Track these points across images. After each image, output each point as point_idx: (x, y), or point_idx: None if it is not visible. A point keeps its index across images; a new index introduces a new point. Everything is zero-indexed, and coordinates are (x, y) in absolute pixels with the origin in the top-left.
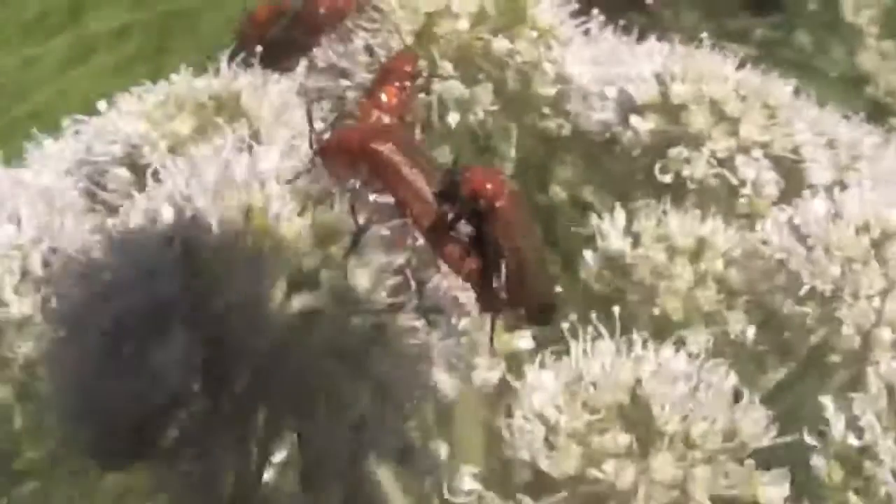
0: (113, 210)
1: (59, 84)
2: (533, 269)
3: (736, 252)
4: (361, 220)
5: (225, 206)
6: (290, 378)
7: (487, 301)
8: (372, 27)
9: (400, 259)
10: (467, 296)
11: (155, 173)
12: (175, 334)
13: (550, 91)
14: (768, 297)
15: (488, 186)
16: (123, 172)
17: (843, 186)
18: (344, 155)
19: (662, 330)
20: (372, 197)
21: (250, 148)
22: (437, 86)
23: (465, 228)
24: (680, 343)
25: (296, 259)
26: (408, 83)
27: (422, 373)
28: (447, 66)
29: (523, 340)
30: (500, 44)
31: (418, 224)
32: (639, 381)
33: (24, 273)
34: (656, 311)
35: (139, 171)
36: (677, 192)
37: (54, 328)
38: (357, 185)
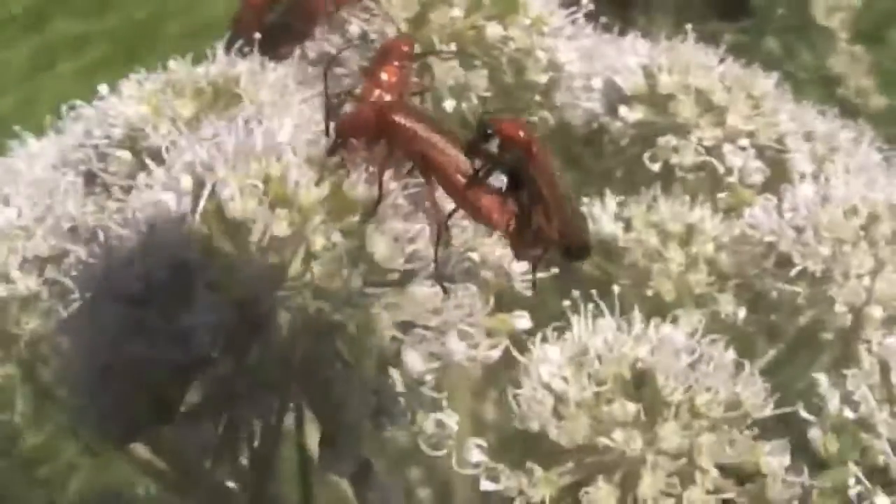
0: (113, 194)
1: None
2: (570, 207)
3: (724, 238)
4: (378, 189)
5: (245, 175)
6: (309, 343)
7: (526, 244)
8: (366, 16)
9: (417, 226)
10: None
11: (163, 151)
12: (200, 297)
13: (543, 78)
14: (757, 279)
15: (521, 133)
16: (125, 155)
17: (825, 177)
18: (362, 130)
19: (654, 312)
20: (389, 169)
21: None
22: (435, 68)
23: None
24: (675, 322)
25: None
26: (406, 62)
27: (436, 341)
28: (447, 48)
29: (521, 320)
30: (494, 30)
31: (451, 181)
32: (642, 354)
33: (29, 251)
34: (649, 293)
35: (140, 154)
36: (665, 182)
37: (72, 296)
38: (374, 157)
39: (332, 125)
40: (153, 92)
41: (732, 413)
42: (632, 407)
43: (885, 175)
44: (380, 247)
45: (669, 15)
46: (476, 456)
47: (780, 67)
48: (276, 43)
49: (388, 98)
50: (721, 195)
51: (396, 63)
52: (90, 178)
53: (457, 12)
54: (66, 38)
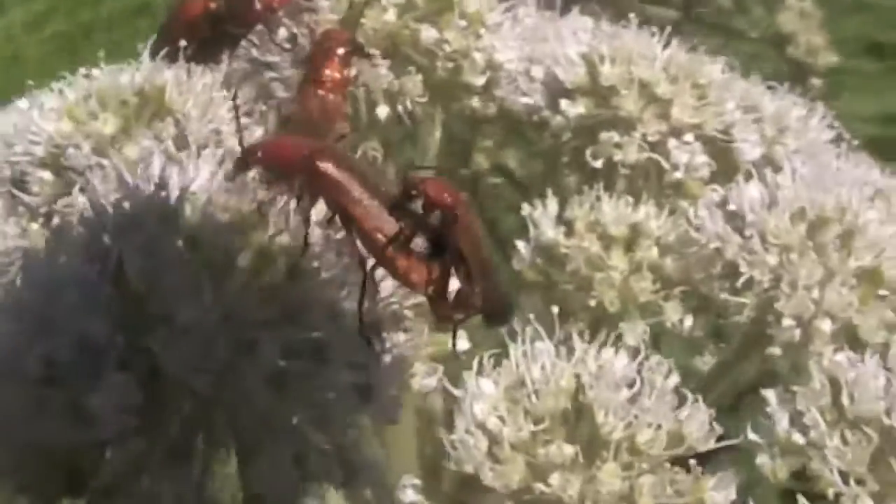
0: (36, 214)
1: None
2: (492, 271)
3: (670, 237)
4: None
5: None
6: (230, 413)
7: (447, 308)
8: (294, 18)
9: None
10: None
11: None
12: (109, 377)
13: (480, 80)
14: (704, 285)
15: (446, 195)
16: (47, 175)
17: (774, 165)
18: (282, 167)
19: (598, 320)
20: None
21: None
22: (365, 74)
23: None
24: (618, 338)
25: (232, 282)
26: (346, 54)
27: (363, 390)
28: (376, 54)
29: (459, 341)
30: (429, 34)
31: (372, 239)
32: (581, 387)
33: None
34: (592, 303)
35: (63, 174)
36: (608, 177)
37: None
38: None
39: (251, 150)
40: (75, 104)
41: (675, 449)
42: (569, 449)
43: (835, 158)
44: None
45: None
46: (410, 496)
47: (731, 25)
48: (207, 51)
49: (330, 97)
50: (666, 191)
51: (334, 58)
52: (14, 194)
53: (390, 15)
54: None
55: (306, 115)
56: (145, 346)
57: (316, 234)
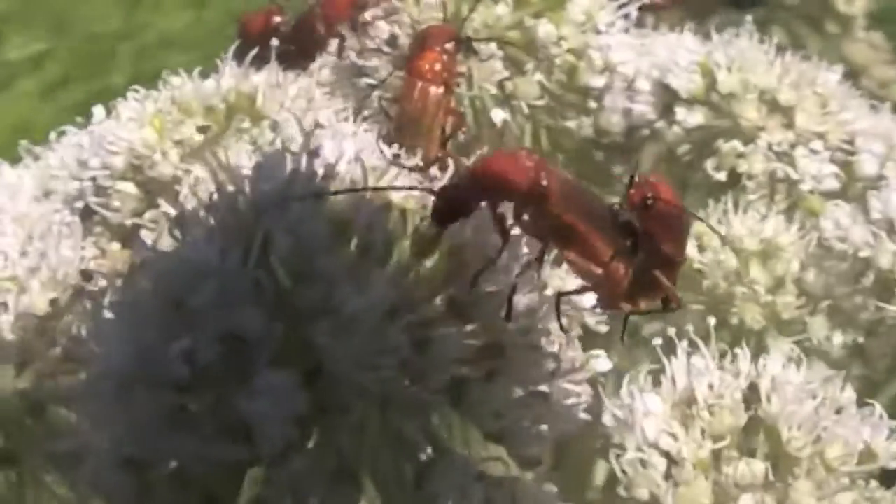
0: (116, 232)
1: None
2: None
3: (802, 254)
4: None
5: (306, 213)
6: (401, 423)
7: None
8: (392, 19)
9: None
10: None
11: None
12: (265, 377)
13: (599, 81)
14: (847, 300)
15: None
16: (129, 188)
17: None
18: (504, 188)
19: (734, 342)
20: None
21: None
22: (475, 71)
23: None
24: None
25: (395, 271)
26: (449, 47)
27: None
28: (490, 48)
29: (600, 361)
30: (547, 29)
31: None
32: (759, 401)
33: (21, 307)
34: (734, 321)
35: (146, 186)
36: (723, 191)
37: (97, 382)
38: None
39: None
40: (157, 113)
41: (867, 466)
42: (759, 466)
43: None
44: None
45: (678, 8)
46: None
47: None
48: (290, 54)
49: (433, 90)
50: (784, 204)
51: (438, 49)
52: (87, 215)
53: (502, 9)
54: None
55: (409, 111)
56: (303, 340)
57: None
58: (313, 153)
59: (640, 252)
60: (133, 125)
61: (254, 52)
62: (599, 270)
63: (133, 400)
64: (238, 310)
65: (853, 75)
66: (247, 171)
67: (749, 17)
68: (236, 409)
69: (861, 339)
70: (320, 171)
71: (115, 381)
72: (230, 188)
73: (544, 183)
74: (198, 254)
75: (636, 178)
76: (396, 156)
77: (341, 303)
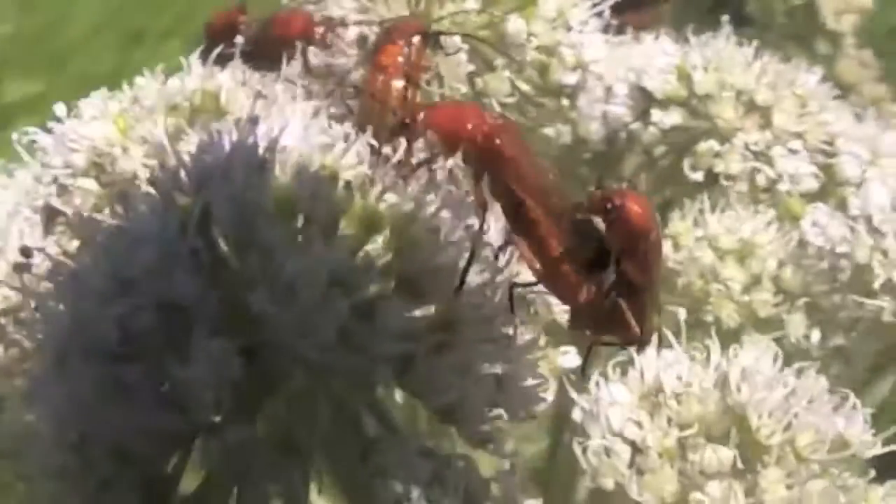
0: (78, 231)
1: None
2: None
3: (782, 253)
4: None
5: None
6: (344, 396)
7: (593, 326)
8: (362, 18)
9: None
10: None
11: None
12: (201, 344)
13: (571, 78)
14: (825, 297)
15: (647, 217)
16: (90, 184)
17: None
18: (452, 137)
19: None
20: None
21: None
22: (442, 66)
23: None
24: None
25: (339, 243)
26: (415, 41)
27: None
28: (455, 41)
29: (568, 357)
30: (517, 25)
31: (545, 243)
32: (729, 389)
33: None
34: (709, 318)
35: (108, 186)
36: (700, 192)
37: (37, 357)
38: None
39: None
40: (121, 111)
41: (838, 454)
42: (726, 453)
43: None
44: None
45: (665, 26)
46: None
47: None
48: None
49: (396, 83)
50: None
51: (402, 42)
52: (52, 216)
53: (471, 3)
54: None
55: (369, 105)
56: (241, 309)
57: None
58: (255, 124)
59: (599, 267)
60: (96, 123)
61: (217, 49)
62: (541, 266)
63: (70, 372)
64: (175, 277)
65: (845, 92)
66: (191, 147)
67: (726, 18)
68: (171, 378)
69: (841, 341)
70: (263, 144)
71: (53, 353)
72: (173, 162)
73: (497, 141)
74: (137, 224)
75: (606, 183)
76: (346, 134)
77: (279, 269)
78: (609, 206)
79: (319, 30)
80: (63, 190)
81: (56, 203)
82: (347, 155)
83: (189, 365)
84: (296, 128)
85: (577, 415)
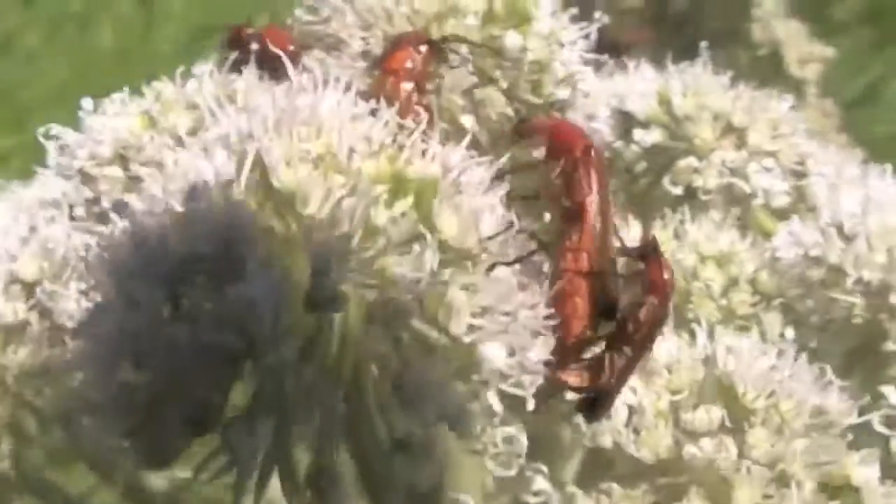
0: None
1: None
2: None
3: (758, 260)
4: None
5: (293, 143)
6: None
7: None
8: (365, 33)
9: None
10: None
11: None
12: (254, 270)
13: (563, 93)
14: (800, 300)
15: (669, 282)
16: (116, 171)
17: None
18: (560, 144)
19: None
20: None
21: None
22: (446, 78)
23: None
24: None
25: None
26: (423, 48)
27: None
28: (458, 55)
29: None
30: (514, 40)
31: (574, 259)
32: (715, 363)
33: (13, 278)
34: (690, 315)
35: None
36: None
37: (91, 288)
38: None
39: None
40: (143, 110)
41: (818, 420)
42: (717, 412)
43: None
44: (450, 224)
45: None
46: (539, 483)
47: None
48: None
49: (405, 86)
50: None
51: (411, 49)
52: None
53: (471, 20)
54: None
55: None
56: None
57: None
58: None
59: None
60: (121, 118)
61: (233, 56)
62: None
63: (133, 295)
64: (233, 209)
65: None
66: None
67: (704, 44)
68: (229, 299)
69: (813, 344)
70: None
71: (115, 280)
72: (231, 111)
73: (594, 155)
74: (195, 165)
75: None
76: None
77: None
78: (650, 253)
79: (290, 47)
80: (88, 180)
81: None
82: (377, 124)
83: (246, 285)
84: (331, 99)
85: None
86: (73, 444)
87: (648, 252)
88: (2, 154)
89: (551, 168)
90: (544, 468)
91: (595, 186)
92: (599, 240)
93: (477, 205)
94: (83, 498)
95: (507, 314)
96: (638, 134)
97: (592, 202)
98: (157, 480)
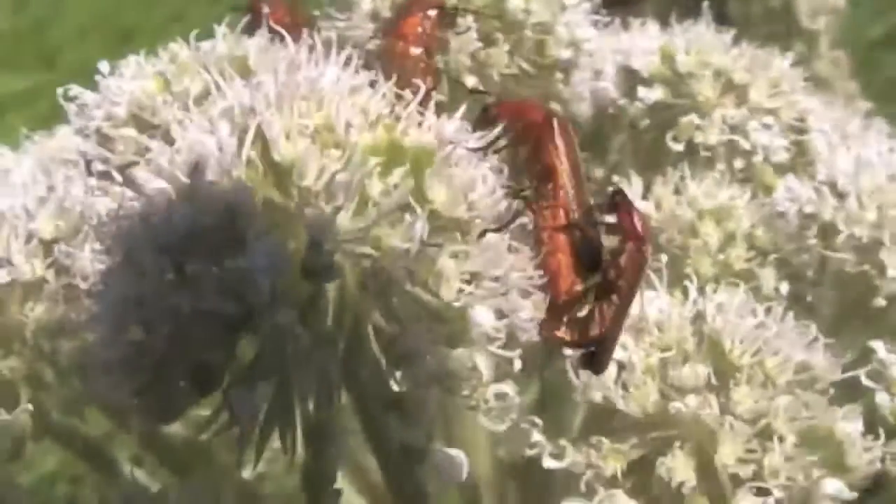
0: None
1: None
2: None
3: (756, 217)
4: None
5: (292, 116)
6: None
7: (562, 328)
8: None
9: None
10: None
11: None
12: (254, 241)
13: (566, 53)
14: (795, 255)
15: (643, 229)
16: (130, 131)
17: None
18: (516, 117)
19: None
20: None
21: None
22: (452, 42)
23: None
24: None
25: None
26: (431, 14)
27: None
28: (467, 21)
29: None
30: (515, 3)
31: (551, 219)
32: (704, 318)
33: (31, 236)
34: (688, 271)
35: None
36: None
37: (103, 252)
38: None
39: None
40: (157, 72)
41: (802, 376)
42: (702, 370)
43: None
44: (440, 194)
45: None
46: (534, 436)
47: None
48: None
49: (413, 51)
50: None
51: (420, 14)
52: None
53: None
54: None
55: (388, 70)
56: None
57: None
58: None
59: (590, 267)
60: (136, 80)
61: (246, 19)
62: (548, 241)
63: (140, 263)
64: (234, 185)
65: (820, 89)
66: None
67: (706, 5)
68: (230, 268)
69: (809, 298)
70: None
71: (123, 249)
72: (238, 83)
73: (555, 121)
74: (199, 141)
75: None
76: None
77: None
78: (619, 201)
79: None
80: (105, 140)
81: (96, 155)
82: (375, 96)
83: (247, 254)
84: (331, 73)
85: None
86: (90, 394)
87: (618, 201)
88: (30, 94)
89: (521, 141)
90: (539, 421)
91: (562, 147)
92: (573, 195)
93: (469, 175)
94: (103, 442)
95: (496, 279)
96: (642, 91)
97: (562, 162)
98: (173, 426)
